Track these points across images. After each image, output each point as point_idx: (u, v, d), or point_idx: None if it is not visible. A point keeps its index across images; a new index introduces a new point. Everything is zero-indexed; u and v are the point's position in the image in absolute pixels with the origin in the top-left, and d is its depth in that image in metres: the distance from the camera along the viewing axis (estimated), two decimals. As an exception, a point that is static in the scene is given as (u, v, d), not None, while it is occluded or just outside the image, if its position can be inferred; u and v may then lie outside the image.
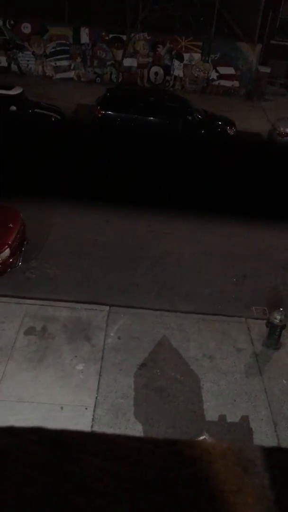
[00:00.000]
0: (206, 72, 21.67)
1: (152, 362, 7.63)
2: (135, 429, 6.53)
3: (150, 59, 21.58)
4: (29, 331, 7.93)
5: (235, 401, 7.08)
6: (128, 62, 21.28)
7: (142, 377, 7.35)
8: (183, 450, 0.57)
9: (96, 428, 6.38)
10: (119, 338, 8.03)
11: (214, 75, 21.72)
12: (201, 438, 5.76)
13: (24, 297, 8.59)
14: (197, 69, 21.71)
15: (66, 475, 0.55)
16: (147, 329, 8.24)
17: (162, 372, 7.44)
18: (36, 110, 15.32)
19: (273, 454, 0.57)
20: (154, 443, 0.58)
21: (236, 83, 21.74)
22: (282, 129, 15.99)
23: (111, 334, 8.08)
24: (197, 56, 21.52)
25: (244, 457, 0.57)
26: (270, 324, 8.07)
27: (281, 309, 8.08)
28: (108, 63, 21.55)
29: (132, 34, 20.05)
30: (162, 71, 21.80)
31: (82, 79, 21.74)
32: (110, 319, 8.37)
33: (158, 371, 7.46)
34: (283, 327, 8.01)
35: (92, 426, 6.44)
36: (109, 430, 6.41)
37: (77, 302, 8.66)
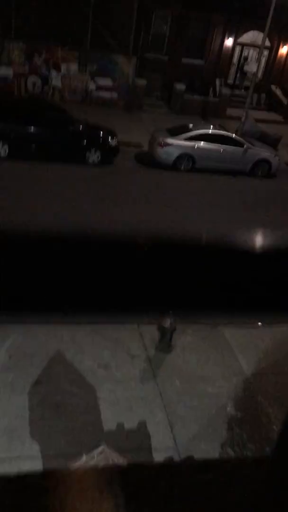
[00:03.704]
0: (84, 83, 21.85)
1: (47, 378, 7.42)
2: (32, 449, 6.29)
3: (26, 69, 21.20)
4: None
5: (132, 408, 7.14)
6: (2, 71, 20.69)
7: (37, 394, 7.11)
8: (36, 483, 0.55)
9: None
10: (9, 357, 7.71)
11: (92, 86, 21.95)
12: (100, 448, 5.72)
13: None
14: (75, 80, 21.79)
15: None
16: (40, 345, 8.02)
17: (58, 388, 7.27)
18: None
19: (129, 472, 0.57)
20: (5, 479, 0.55)
21: (114, 95, 22.18)
22: (161, 139, 16.64)
23: (1, 353, 7.73)
24: (74, 66, 21.61)
25: (101, 479, 0.56)
26: (161, 328, 8.30)
27: (171, 312, 8.34)
28: (-18, 72, 20.77)
29: (6, 43, 19.55)
30: (40, 81, 21.53)
31: None
32: (-2, 337, 8.00)
33: (53, 387, 7.27)
34: (173, 330, 8.29)
35: (-15, 454, 6.08)
36: (3, 455, 6.11)
37: None
